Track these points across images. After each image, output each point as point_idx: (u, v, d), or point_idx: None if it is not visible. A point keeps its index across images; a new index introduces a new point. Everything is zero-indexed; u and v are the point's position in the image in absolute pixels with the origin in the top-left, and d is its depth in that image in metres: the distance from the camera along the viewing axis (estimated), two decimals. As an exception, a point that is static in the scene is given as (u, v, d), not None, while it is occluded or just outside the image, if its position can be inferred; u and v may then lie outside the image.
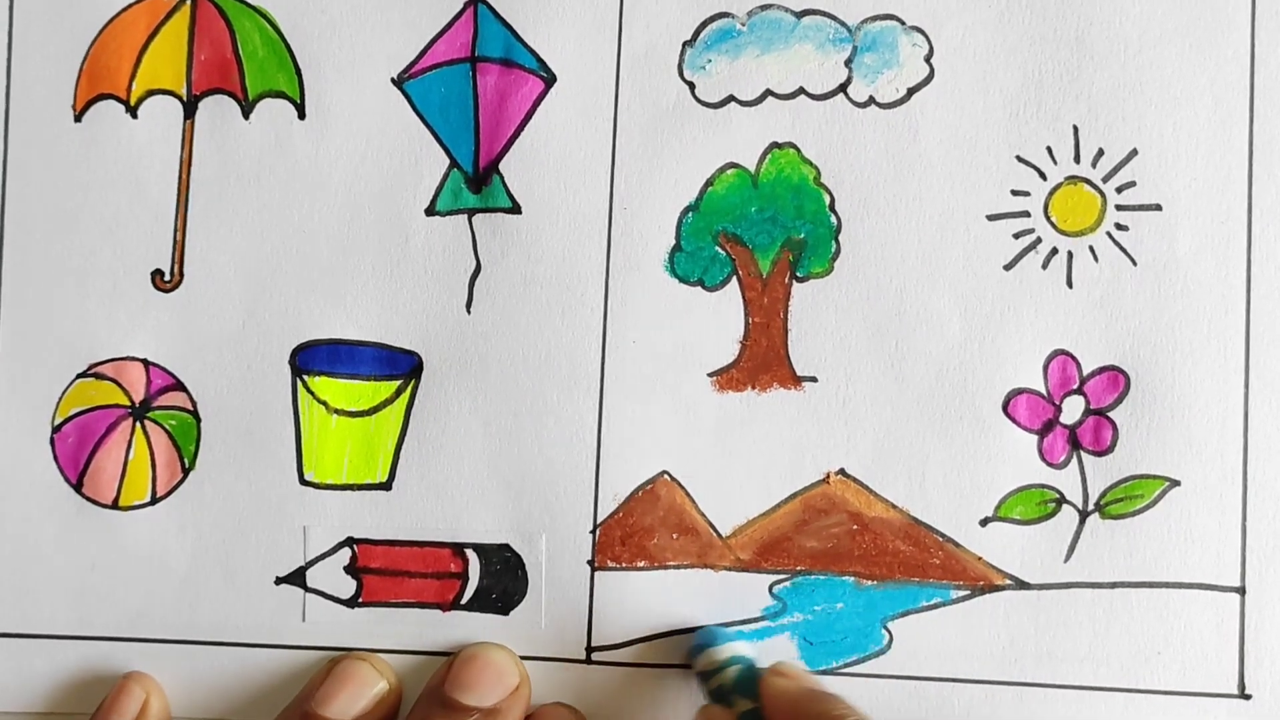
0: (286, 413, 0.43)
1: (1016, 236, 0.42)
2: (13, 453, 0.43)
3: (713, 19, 0.43)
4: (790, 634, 0.42)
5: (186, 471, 0.43)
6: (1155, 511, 0.41)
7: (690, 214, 0.42)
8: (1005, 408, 0.42)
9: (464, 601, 0.42)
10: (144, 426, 0.43)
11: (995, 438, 0.42)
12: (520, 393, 0.42)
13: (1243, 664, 0.41)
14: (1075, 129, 0.42)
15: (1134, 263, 0.42)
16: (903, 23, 0.42)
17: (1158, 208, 0.42)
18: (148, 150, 0.43)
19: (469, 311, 0.43)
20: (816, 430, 0.42)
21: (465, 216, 0.43)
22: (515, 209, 0.43)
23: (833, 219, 0.42)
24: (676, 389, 0.42)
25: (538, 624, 0.42)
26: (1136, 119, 0.42)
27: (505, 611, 0.42)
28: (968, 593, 0.42)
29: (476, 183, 0.43)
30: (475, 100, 0.43)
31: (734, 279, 0.42)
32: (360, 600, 0.42)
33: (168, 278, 0.43)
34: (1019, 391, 0.42)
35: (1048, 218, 0.42)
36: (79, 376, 0.43)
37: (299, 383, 0.43)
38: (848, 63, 0.43)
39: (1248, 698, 0.41)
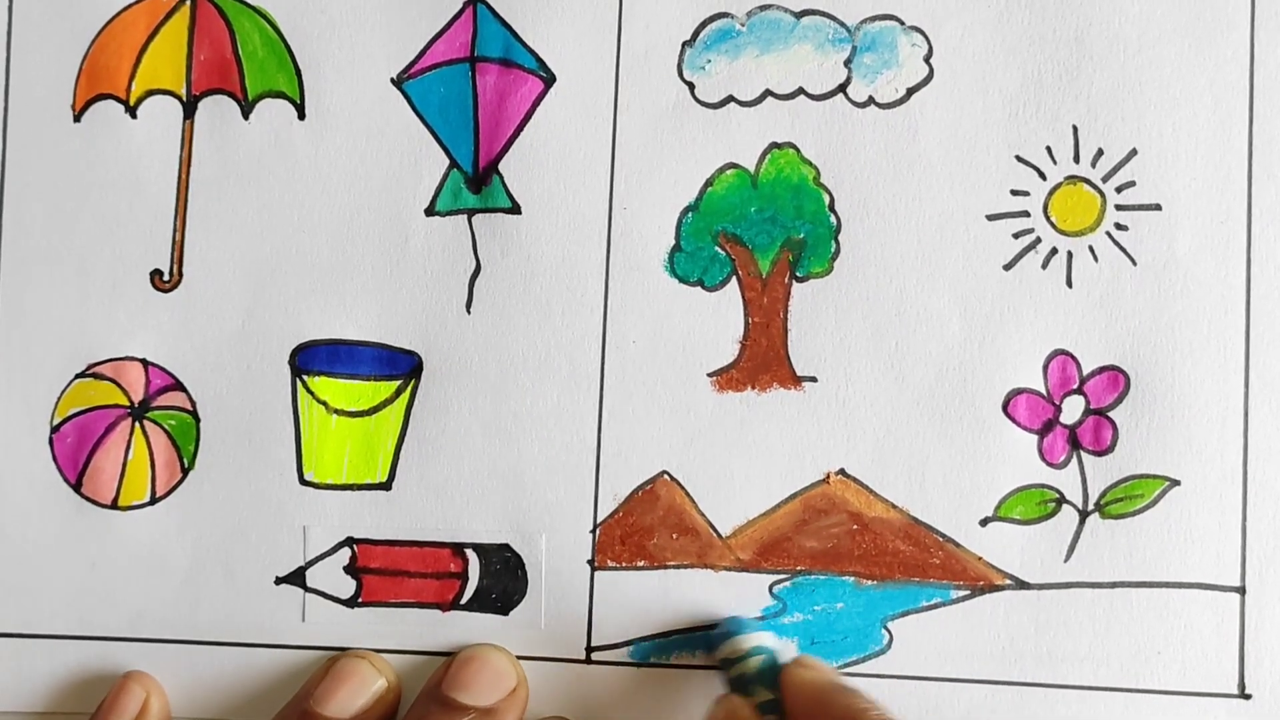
0: (286, 413, 0.43)
1: (1016, 236, 0.42)
2: (12, 453, 0.43)
3: (712, 19, 0.43)
4: (790, 634, 0.42)
5: (186, 471, 0.43)
6: (1155, 511, 0.41)
7: (690, 214, 0.42)
8: (1005, 408, 0.42)
9: (464, 601, 0.42)
10: (143, 426, 0.43)
11: (995, 438, 0.42)
12: (520, 393, 0.42)
13: (1243, 664, 0.41)
14: (1075, 129, 0.42)
15: (1134, 262, 0.42)
16: (902, 23, 0.42)
17: (1157, 208, 0.42)
18: (147, 150, 0.43)
19: (469, 311, 0.43)
20: (816, 430, 0.42)
21: (465, 216, 0.43)
22: (515, 209, 0.43)
23: (832, 219, 0.42)
24: (676, 389, 0.42)
25: (537, 624, 0.42)
26: (1136, 119, 0.42)
27: (505, 611, 0.42)
28: (968, 593, 0.42)
29: (476, 183, 0.43)
30: (475, 100, 0.43)
31: (734, 279, 0.42)
32: (360, 600, 0.42)
33: (167, 278, 0.43)
34: (1019, 391, 0.42)
35: (1047, 218, 0.42)
36: (78, 376, 0.43)
37: (299, 383, 0.43)
38: (847, 63, 0.43)
39: (1248, 697, 0.41)
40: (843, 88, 0.43)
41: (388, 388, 0.43)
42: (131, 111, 0.43)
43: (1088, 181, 0.42)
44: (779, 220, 0.42)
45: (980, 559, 0.42)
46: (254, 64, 0.43)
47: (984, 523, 0.42)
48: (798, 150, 0.42)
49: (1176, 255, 0.42)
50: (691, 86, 0.43)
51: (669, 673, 0.42)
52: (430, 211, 0.43)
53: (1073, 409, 0.42)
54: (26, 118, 0.43)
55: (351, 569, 0.42)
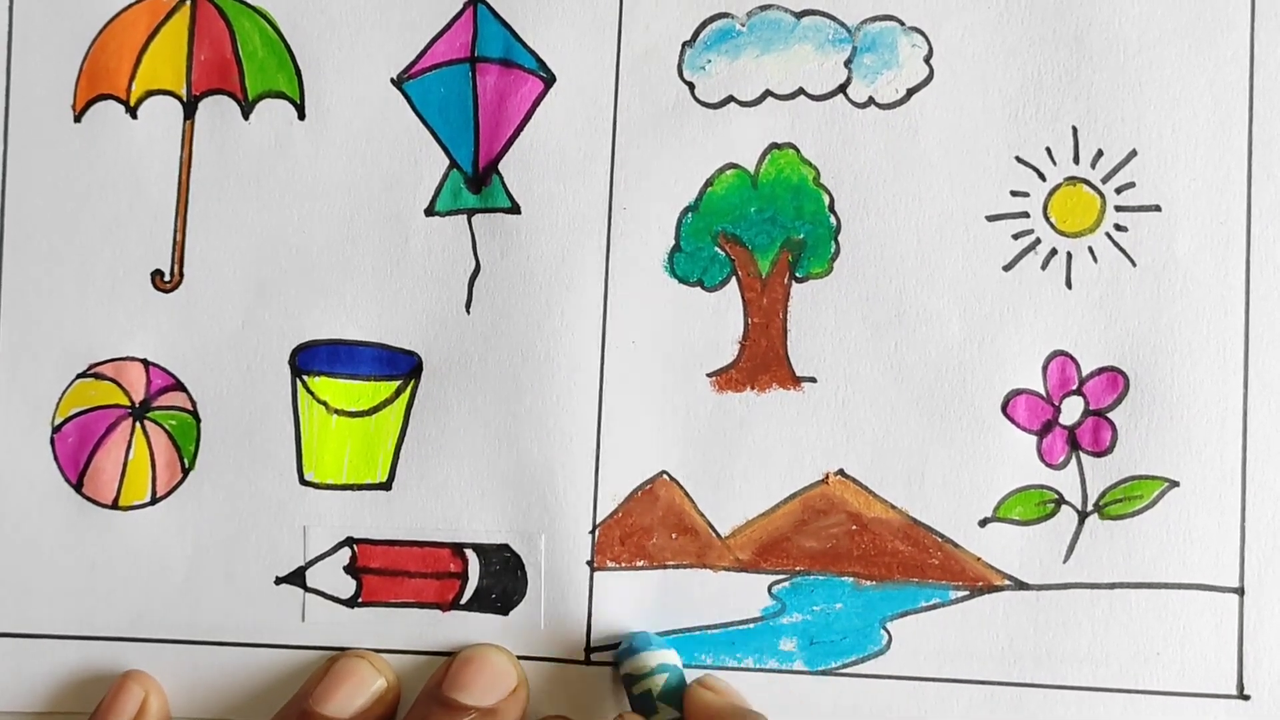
0: (286, 413, 0.43)
1: (1016, 237, 0.42)
2: (13, 453, 0.43)
3: (712, 19, 0.43)
4: (789, 634, 0.42)
5: (186, 472, 0.43)
6: (1154, 512, 0.41)
7: (689, 214, 0.42)
8: (1004, 408, 0.42)
9: (463, 601, 0.42)
10: (144, 427, 0.43)
11: (994, 438, 0.42)
12: (520, 393, 0.42)
13: (1241, 665, 0.41)
14: (1074, 130, 0.42)
15: (1133, 263, 0.42)
16: (902, 23, 0.42)
17: (1157, 208, 0.42)
18: (148, 151, 0.43)
19: (469, 311, 0.43)
20: (816, 430, 0.42)
21: (465, 217, 0.43)
22: (515, 209, 0.43)
23: (832, 219, 0.42)
24: (676, 389, 0.42)
25: (537, 624, 0.42)
26: (1136, 119, 0.42)
27: (505, 612, 0.42)
28: (967, 593, 0.42)
29: (476, 183, 0.43)
30: (475, 100, 0.43)
31: (733, 279, 0.42)
32: (360, 600, 0.43)
33: (167, 278, 0.43)
34: (1018, 392, 0.42)
35: (1047, 218, 0.42)
36: (79, 377, 0.43)
37: (299, 383, 0.43)
38: (847, 63, 0.43)
39: (1247, 698, 0.41)
40: (843, 88, 0.43)
41: (388, 388, 0.43)
42: (132, 112, 0.43)
43: (1087, 182, 0.42)
44: (779, 220, 0.42)
45: (979, 559, 0.42)
46: (254, 64, 0.43)
47: (983, 523, 0.42)
48: (798, 151, 0.42)
49: (1176, 256, 0.42)
50: (691, 86, 0.43)
51: (668, 673, 0.42)
52: (430, 211, 0.43)
53: (1072, 410, 0.42)
54: (27, 118, 0.43)
55: (351, 569, 0.42)
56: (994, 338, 0.42)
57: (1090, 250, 0.42)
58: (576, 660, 0.42)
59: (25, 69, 0.43)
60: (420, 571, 0.42)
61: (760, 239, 0.42)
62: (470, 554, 0.42)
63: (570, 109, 0.43)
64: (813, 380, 0.42)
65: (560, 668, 0.42)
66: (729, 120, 0.43)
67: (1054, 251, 0.42)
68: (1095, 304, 0.42)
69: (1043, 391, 0.42)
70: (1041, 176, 0.42)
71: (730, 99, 0.43)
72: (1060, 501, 0.42)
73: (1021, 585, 0.42)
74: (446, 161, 0.43)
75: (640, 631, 0.42)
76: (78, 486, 0.43)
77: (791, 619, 0.42)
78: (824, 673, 0.42)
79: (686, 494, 0.42)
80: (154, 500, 0.43)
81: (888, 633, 0.42)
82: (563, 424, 0.42)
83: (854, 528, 0.42)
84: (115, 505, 0.43)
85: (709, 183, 0.43)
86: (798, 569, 0.42)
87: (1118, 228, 0.42)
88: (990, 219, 0.42)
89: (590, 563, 0.42)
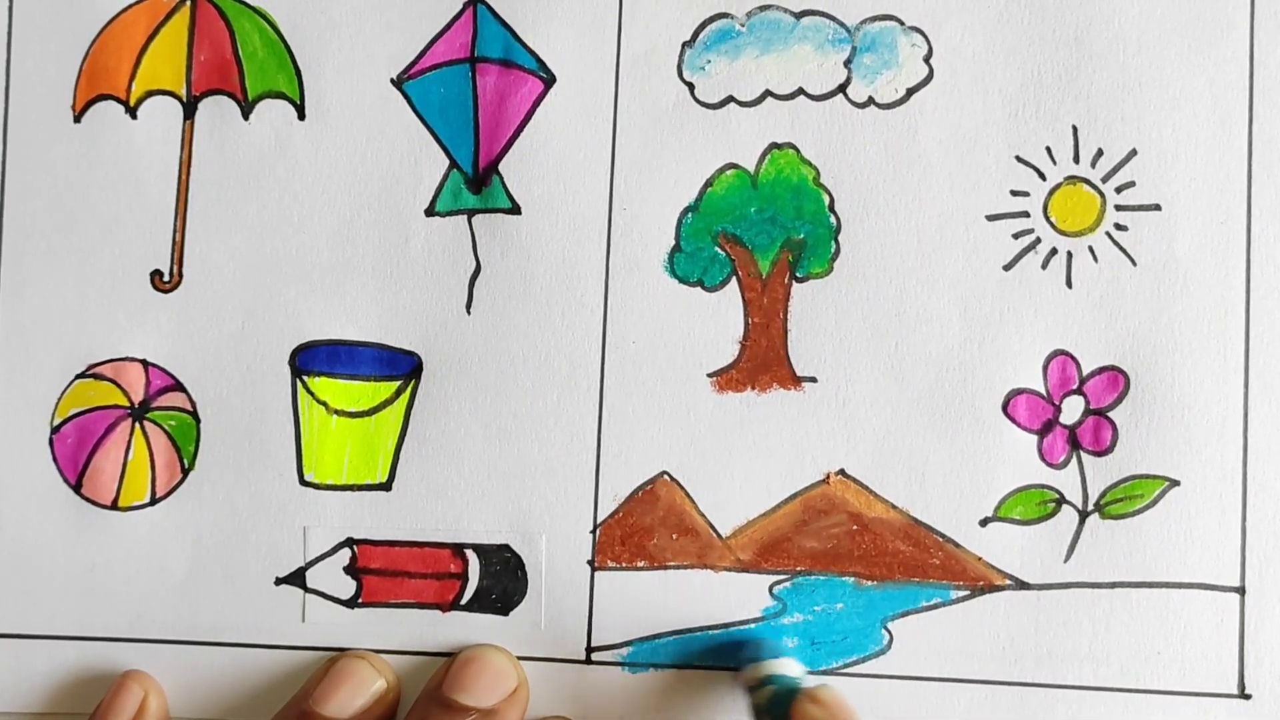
0: (286, 413, 0.43)
1: (1016, 237, 0.42)
2: (12, 453, 0.43)
3: (712, 19, 0.43)
4: (790, 634, 0.42)
5: (186, 472, 0.43)
6: (1155, 511, 0.41)
7: (690, 214, 0.42)
8: (1005, 408, 0.42)
9: (464, 602, 0.42)
10: (143, 427, 0.43)
11: (995, 438, 0.42)
12: (520, 393, 0.42)
13: (1242, 664, 0.41)
14: (1074, 129, 0.42)
15: (1134, 263, 0.42)
16: (902, 23, 0.42)
17: (1157, 208, 0.42)
18: (147, 151, 0.43)
19: (469, 312, 0.43)
20: (816, 431, 0.42)
21: (465, 217, 0.43)
22: (515, 210, 0.43)
23: (832, 219, 0.42)
24: (676, 389, 0.42)
25: (537, 624, 0.42)
26: (1136, 119, 0.42)
27: (505, 612, 0.42)
28: (967, 593, 0.42)
29: (476, 183, 0.43)
30: (475, 101, 0.43)
31: (733, 279, 0.42)
32: (360, 601, 0.42)
33: (167, 278, 0.43)
34: (1019, 392, 0.42)
35: (1047, 218, 0.42)
36: (78, 377, 0.43)
37: (299, 383, 0.43)
38: (847, 63, 0.43)
39: (1247, 698, 0.41)
40: (843, 88, 0.43)
41: (388, 388, 0.43)
42: (132, 112, 0.43)
43: (1087, 182, 0.42)
44: (779, 220, 0.42)
45: (980, 559, 0.42)
46: (254, 64, 0.43)
47: (984, 523, 0.42)
48: (797, 151, 0.42)
49: (1176, 255, 0.42)
50: (691, 87, 0.43)
51: (669, 673, 0.42)
52: (430, 212, 0.43)
53: (1072, 409, 0.42)
54: (27, 118, 0.43)
55: (351, 569, 0.42)
56: (994, 337, 0.42)
57: (1090, 250, 0.42)
58: (577, 660, 0.42)
59: (25, 69, 0.43)
60: (420, 572, 0.42)
61: (760, 239, 0.42)
62: (470, 554, 0.42)
63: (570, 109, 0.43)
64: (813, 380, 0.42)
65: (560, 668, 0.42)
66: (729, 120, 0.43)
67: (1054, 251, 0.42)
68: (1095, 303, 0.42)
69: (1043, 391, 0.42)
70: (1041, 176, 0.42)
71: (730, 99, 0.43)
72: (1061, 501, 0.42)
73: (1022, 585, 0.42)
74: (446, 162, 0.43)
75: (762, 639, 0.41)
76: (77, 487, 0.43)
77: (792, 619, 0.42)
78: (825, 672, 0.42)
79: (687, 494, 0.42)
80: (153, 501, 0.43)
81: (889, 633, 0.42)
82: (563, 424, 0.42)
83: (855, 528, 0.42)
84: (115, 506, 0.43)
85: (709, 183, 0.43)
86: (799, 569, 0.42)
87: (1118, 227, 0.42)
88: (990, 219, 0.42)
89: (591, 563, 0.42)
